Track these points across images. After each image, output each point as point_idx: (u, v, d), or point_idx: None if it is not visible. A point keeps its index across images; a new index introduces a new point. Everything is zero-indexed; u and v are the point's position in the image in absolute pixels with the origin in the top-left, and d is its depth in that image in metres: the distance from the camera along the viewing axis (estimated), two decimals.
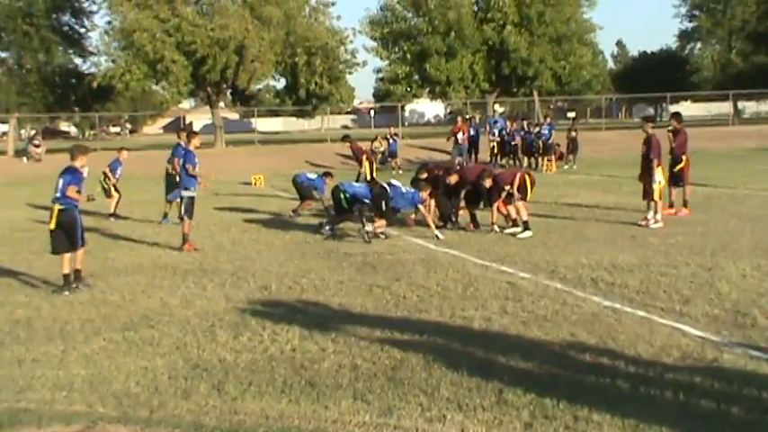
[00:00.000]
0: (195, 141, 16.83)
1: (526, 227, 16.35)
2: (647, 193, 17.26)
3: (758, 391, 6.77)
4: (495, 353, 8.18)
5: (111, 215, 21.67)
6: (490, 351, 8.24)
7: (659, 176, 17.30)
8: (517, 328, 9.12)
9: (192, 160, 16.30)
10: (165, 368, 8.14)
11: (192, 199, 16.09)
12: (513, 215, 16.87)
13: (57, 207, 12.49)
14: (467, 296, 10.89)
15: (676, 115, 19.64)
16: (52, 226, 12.53)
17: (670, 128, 19.19)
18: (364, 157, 25.17)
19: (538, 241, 15.48)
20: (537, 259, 13.46)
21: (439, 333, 9.00)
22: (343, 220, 17.24)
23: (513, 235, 16.27)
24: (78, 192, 12.54)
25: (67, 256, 12.44)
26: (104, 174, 22.44)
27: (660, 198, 17.26)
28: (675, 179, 18.85)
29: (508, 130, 39.01)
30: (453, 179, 17.63)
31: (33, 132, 61.69)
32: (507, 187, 16.65)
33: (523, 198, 16.72)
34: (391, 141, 40.76)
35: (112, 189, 22.23)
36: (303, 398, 7.14)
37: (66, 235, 12.47)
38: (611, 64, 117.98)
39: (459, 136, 35.14)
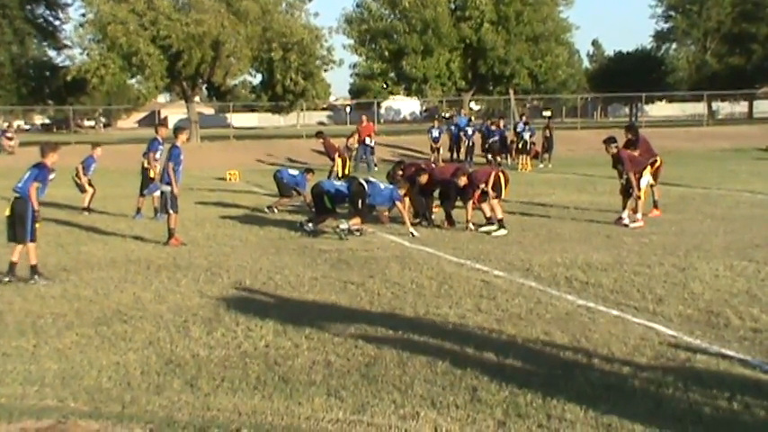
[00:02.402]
0: (182, 137, 16.60)
1: (501, 225, 16.38)
2: (627, 192, 17.30)
3: (730, 391, 6.81)
4: (469, 350, 8.19)
5: (84, 209, 21.54)
6: (464, 349, 8.25)
7: (647, 178, 17.41)
8: (491, 326, 9.13)
9: (176, 157, 16.02)
10: (138, 363, 8.09)
11: (172, 193, 15.94)
12: (488, 213, 16.89)
13: (14, 195, 12.60)
14: (441, 294, 10.90)
15: (629, 128, 19.75)
16: (7, 212, 12.63)
17: (621, 143, 18.70)
18: (336, 154, 25.13)
19: (513, 239, 15.52)
20: (512, 257, 13.49)
21: (413, 330, 8.99)
22: (327, 218, 17.19)
23: (488, 233, 16.31)
24: (37, 189, 12.52)
25: (20, 246, 12.41)
26: (76, 170, 22.27)
27: (645, 198, 17.33)
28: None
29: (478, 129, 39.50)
30: (423, 179, 17.65)
31: (6, 125, 61.21)
32: (482, 185, 16.67)
33: (498, 196, 16.75)
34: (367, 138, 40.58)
35: (86, 185, 22.08)
36: (276, 394, 7.12)
37: (17, 224, 12.46)
38: (586, 63, 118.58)
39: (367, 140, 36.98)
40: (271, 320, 9.51)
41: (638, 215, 17.09)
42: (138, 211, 20.32)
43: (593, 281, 11.43)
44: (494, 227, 16.47)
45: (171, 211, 15.91)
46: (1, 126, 64.24)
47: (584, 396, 6.82)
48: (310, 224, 17.01)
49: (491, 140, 38.38)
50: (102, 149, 23.40)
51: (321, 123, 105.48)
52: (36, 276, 12.37)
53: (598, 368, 7.56)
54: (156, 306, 10.59)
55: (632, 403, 6.69)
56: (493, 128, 38.78)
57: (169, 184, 15.94)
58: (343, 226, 16.27)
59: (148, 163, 20.26)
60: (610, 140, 17.94)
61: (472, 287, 11.23)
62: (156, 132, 20.36)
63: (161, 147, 19.68)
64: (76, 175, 22.25)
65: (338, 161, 24.63)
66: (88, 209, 21.64)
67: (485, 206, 16.89)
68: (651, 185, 18.44)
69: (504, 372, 7.48)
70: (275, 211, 20.37)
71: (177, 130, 17.03)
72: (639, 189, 17.22)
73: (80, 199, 21.81)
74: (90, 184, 22.16)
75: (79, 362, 8.20)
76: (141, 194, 20.56)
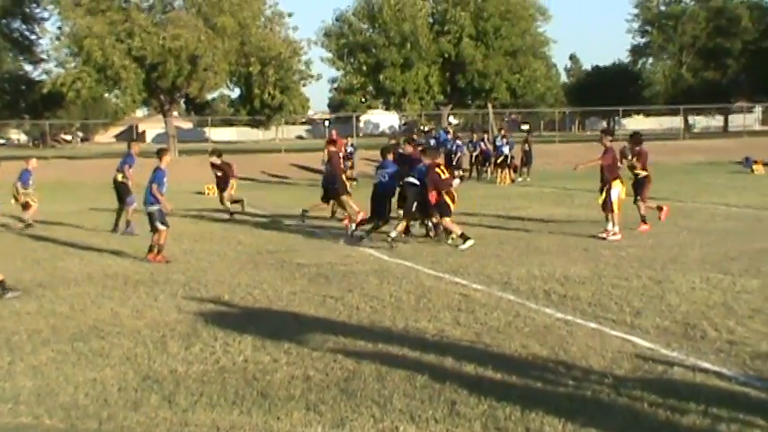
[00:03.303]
0: (167, 158, 16.33)
1: (465, 238, 16.29)
2: (606, 206, 17.35)
3: (706, 404, 6.83)
4: (448, 364, 8.19)
5: (22, 221, 21.33)
6: (443, 362, 8.25)
7: (617, 189, 17.40)
8: (470, 340, 9.14)
9: (160, 179, 15.84)
10: (115, 379, 8.04)
11: (160, 210, 15.75)
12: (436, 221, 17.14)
13: None
14: (420, 307, 10.90)
15: (633, 136, 19.72)
16: None
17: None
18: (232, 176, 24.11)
19: (491, 253, 15.54)
20: (490, 271, 13.51)
21: (392, 344, 8.99)
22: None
23: (456, 246, 16.24)
24: None
25: None
26: (15, 187, 22.02)
27: (619, 210, 17.38)
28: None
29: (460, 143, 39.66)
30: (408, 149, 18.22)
31: None
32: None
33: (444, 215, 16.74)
34: (349, 149, 40.25)
35: (30, 200, 21.87)
36: (255, 409, 7.09)
37: None
38: (564, 77, 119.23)
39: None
40: (249, 335, 9.47)
41: (616, 228, 17.14)
42: (128, 224, 20.12)
43: (572, 294, 11.47)
44: (460, 242, 16.40)
45: (161, 227, 15.63)
46: None
47: (562, 409, 6.83)
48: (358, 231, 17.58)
49: (475, 154, 38.74)
50: (37, 161, 23.39)
51: (299, 137, 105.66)
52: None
53: (576, 381, 7.58)
54: (133, 321, 10.53)
55: (610, 416, 6.71)
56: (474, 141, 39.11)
57: (153, 204, 15.74)
58: (393, 234, 16.62)
59: (123, 176, 20.20)
60: (607, 131, 18.15)
61: (451, 301, 11.24)
62: (129, 148, 20.56)
63: (134, 161, 20.35)
64: (16, 191, 22.00)
65: (233, 183, 23.98)
66: (25, 221, 21.44)
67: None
68: (638, 200, 18.49)
69: (482, 385, 7.48)
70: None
71: (161, 152, 16.69)
72: (611, 201, 17.28)
73: (41, 214, 21.71)
74: (32, 200, 21.98)
75: (55, 378, 8.14)
76: (120, 209, 20.48)
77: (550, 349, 8.65)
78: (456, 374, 7.84)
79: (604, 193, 17.31)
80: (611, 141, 17.74)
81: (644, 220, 18.26)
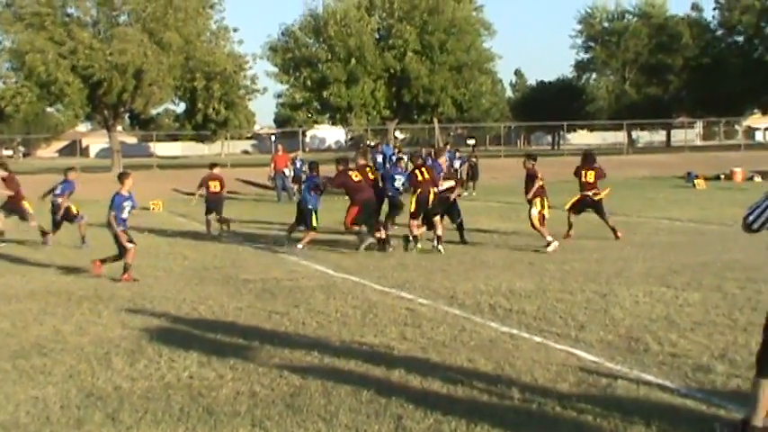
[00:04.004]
0: (128, 183, 15.45)
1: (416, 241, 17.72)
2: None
3: (649, 416, 6.92)
4: (394, 379, 8.21)
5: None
6: (389, 377, 8.27)
7: (536, 208, 17.87)
8: (416, 354, 9.16)
9: (118, 205, 15.17)
10: (58, 397, 7.94)
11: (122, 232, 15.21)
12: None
13: None
14: (366, 322, 10.91)
15: (586, 156, 21.29)
16: None
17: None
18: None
19: (437, 267, 15.61)
20: (436, 285, 13.57)
21: (338, 359, 8.99)
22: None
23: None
24: None
25: None
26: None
27: (542, 225, 17.68)
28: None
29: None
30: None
31: None
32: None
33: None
34: (298, 164, 39.91)
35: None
36: (200, 426, 7.04)
37: None
38: (509, 93, 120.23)
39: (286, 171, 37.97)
40: (195, 351, 9.40)
41: (549, 238, 17.54)
42: (83, 239, 19.89)
43: (517, 308, 11.55)
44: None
45: (128, 245, 15.09)
46: None
47: (508, 422, 6.88)
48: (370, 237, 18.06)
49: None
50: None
51: (245, 152, 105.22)
52: None
53: (521, 395, 7.62)
54: (76, 338, 10.41)
55: (555, 429, 6.77)
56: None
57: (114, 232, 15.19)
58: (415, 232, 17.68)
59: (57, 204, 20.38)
60: (531, 156, 18.61)
61: (397, 315, 11.27)
62: (66, 175, 20.68)
63: (73, 188, 20.68)
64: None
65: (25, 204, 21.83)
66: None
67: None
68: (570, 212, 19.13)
69: (428, 399, 7.51)
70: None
71: (122, 176, 15.83)
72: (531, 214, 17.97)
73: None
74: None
75: None
76: (56, 228, 20.60)
77: (496, 363, 8.70)
78: (402, 389, 7.86)
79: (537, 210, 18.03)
80: (533, 165, 18.46)
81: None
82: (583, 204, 19.62)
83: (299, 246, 18.11)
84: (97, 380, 8.49)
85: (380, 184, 19.63)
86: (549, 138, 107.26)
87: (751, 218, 6.17)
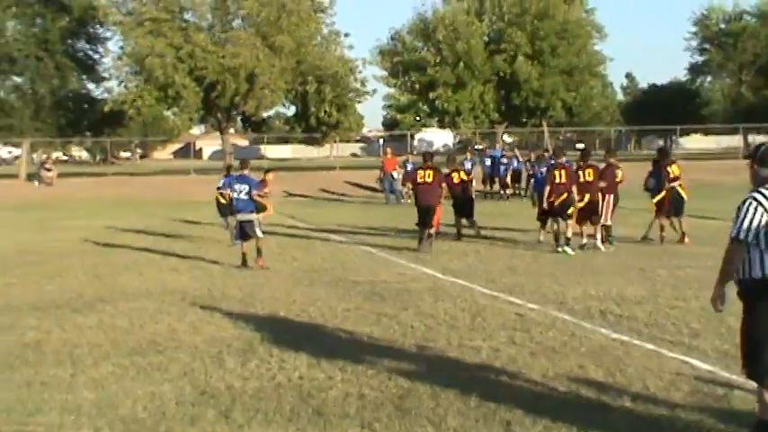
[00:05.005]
0: (248, 165, 17.75)
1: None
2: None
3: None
4: (503, 383, 8.18)
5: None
6: (498, 381, 8.24)
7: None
8: (525, 359, 9.10)
9: (255, 183, 17.11)
10: (173, 394, 8.14)
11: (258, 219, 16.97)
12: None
13: None
14: (475, 326, 10.89)
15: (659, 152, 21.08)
16: None
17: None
18: None
19: (546, 272, 15.48)
20: (545, 290, 13.45)
21: (447, 363, 9.00)
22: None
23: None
24: None
25: None
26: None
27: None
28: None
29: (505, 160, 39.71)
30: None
31: (45, 156, 62.00)
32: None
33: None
34: (410, 166, 40.15)
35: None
36: (310, 426, 7.13)
37: None
38: (620, 96, 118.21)
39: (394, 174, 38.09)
40: (304, 352, 9.53)
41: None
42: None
43: (628, 314, 11.37)
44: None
45: (260, 234, 16.84)
46: (40, 158, 65.19)
47: (619, 431, 6.79)
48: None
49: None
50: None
51: (354, 155, 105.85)
52: None
53: (633, 403, 7.51)
54: (190, 337, 10.66)
55: None
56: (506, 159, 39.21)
57: (252, 212, 16.94)
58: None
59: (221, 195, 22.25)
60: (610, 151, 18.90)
61: (506, 320, 11.21)
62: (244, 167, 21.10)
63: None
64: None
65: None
66: None
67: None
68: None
69: (538, 405, 7.45)
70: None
71: (244, 162, 18.19)
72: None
73: (101, 230, 21.98)
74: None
75: (115, 391, 8.27)
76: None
77: (606, 370, 8.59)
78: (511, 394, 7.82)
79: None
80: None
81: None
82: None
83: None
84: (210, 378, 8.68)
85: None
86: (661, 142, 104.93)
87: (741, 235, 6.43)
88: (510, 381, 8.25)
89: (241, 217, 16.98)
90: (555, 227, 18.46)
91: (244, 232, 16.93)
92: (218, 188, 23.12)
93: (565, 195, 18.13)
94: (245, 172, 17.46)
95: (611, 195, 18.62)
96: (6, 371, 9.17)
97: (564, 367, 8.73)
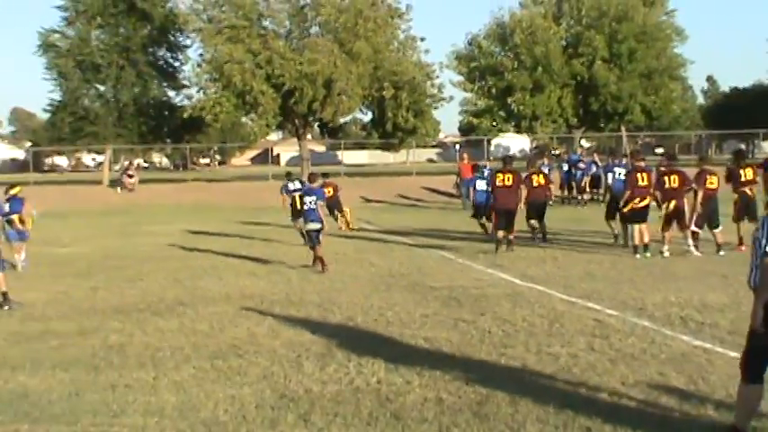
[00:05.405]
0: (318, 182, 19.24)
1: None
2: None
3: None
4: (581, 390, 8.11)
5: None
6: (577, 388, 8.17)
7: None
8: (604, 366, 9.00)
9: (320, 195, 18.23)
10: (253, 397, 8.25)
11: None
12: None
13: None
14: (553, 332, 10.81)
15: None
16: None
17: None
18: None
19: (625, 278, 15.29)
20: (624, 296, 13.29)
21: (524, 369, 8.96)
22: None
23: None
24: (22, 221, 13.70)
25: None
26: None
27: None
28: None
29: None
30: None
31: (127, 163, 63.20)
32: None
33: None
34: (486, 172, 39.93)
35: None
36: (388, 430, 7.17)
37: None
38: (701, 99, 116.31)
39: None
40: (382, 357, 9.57)
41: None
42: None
43: (710, 321, 11.18)
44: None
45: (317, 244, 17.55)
46: (122, 164, 66.47)
47: None
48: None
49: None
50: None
51: (430, 160, 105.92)
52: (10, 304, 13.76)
53: (716, 411, 7.38)
54: (269, 341, 10.77)
55: None
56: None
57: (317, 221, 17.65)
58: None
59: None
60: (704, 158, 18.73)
61: (584, 326, 11.11)
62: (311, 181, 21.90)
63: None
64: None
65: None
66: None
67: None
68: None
69: (618, 413, 7.37)
70: None
71: (312, 176, 19.41)
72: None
73: (180, 235, 22.31)
74: None
75: (196, 394, 8.40)
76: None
77: (688, 377, 8.46)
78: (590, 401, 7.76)
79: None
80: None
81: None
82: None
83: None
84: (289, 382, 8.76)
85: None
86: (743, 146, 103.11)
87: (758, 280, 6.52)
88: (589, 388, 8.17)
89: (311, 226, 17.57)
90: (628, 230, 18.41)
91: (311, 239, 17.70)
92: (290, 191, 23.77)
93: (648, 199, 17.98)
94: (313, 185, 18.50)
95: (699, 201, 18.23)
96: (92, 373, 9.40)
97: (644, 374, 8.62)
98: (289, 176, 25.36)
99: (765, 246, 6.29)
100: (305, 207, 17.89)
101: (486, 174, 35.75)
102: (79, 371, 9.47)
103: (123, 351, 10.42)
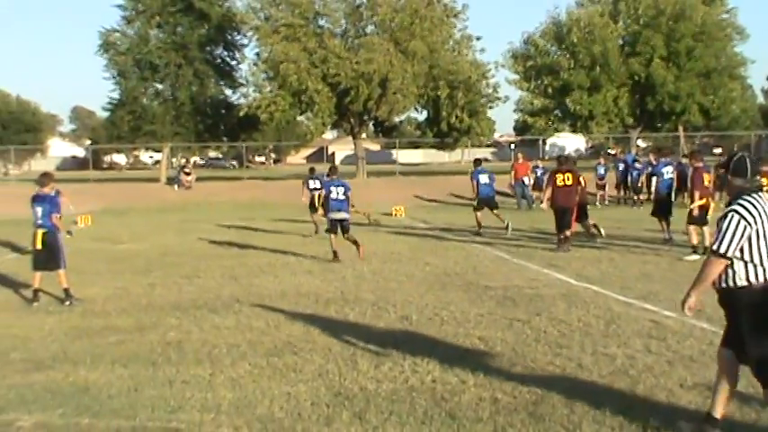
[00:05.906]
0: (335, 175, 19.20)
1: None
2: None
3: None
4: (638, 392, 8.04)
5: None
6: (634, 390, 8.10)
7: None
8: (662, 368, 8.91)
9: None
10: (308, 394, 8.29)
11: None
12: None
13: (41, 231, 14.06)
14: (609, 333, 10.73)
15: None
16: (38, 246, 14.11)
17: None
18: None
19: (683, 279, 15.05)
20: (681, 298, 13.09)
21: (580, 369, 8.90)
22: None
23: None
24: (60, 218, 13.93)
25: (39, 274, 14.17)
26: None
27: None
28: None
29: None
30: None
31: (184, 161, 63.87)
32: None
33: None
34: (539, 172, 39.86)
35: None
36: (443, 429, 7.16)
37: (50, 255, 14.06)
38: (761, 99, 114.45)
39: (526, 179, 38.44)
40: (437, 356, 9.56)
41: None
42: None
43: None
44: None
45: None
46: (179, 162, 67.18)
47: None
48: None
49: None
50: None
51: (485, 159, 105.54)
52: (71, 300, 14.02)
53: None
54: (325, 338, 10.82)
55: None
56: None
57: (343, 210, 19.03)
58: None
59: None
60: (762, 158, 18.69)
61: (641, 327, 11.01)
62: (311, 173, 23.34)
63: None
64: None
65: None
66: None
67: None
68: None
69: (676, 415, 7.29)
70: None
71: (332, 168, 20.70)
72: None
73: (236, 233, 22.50)
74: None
75: (252, 391, 8.47)
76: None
77: (748, 381, 8.28)
78: (648, 403, 7.69)
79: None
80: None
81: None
82: None
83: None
84: (344, 380, 8.79)
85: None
86: None
87: (722, 249, 6.55)
88: (646, 389, 8.10)
89: (339, 215, 18.98)
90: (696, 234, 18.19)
91: (339, 227, 19.03)
92: (311, 189, 25.52)
93: (706, 200, 17.81)
94: (337, 177, 19.88)
95: None
96: (150, 368, 9.52)
97: (703, 377, 8.51)
98: (312, 172, 26.96)
99: (713, 244, 6.66)
100: (331, 197, 19.01)
101: (539, 173, 35.72)
102: (138, 366, 9.61)
103: (181, 347, 10.54)
